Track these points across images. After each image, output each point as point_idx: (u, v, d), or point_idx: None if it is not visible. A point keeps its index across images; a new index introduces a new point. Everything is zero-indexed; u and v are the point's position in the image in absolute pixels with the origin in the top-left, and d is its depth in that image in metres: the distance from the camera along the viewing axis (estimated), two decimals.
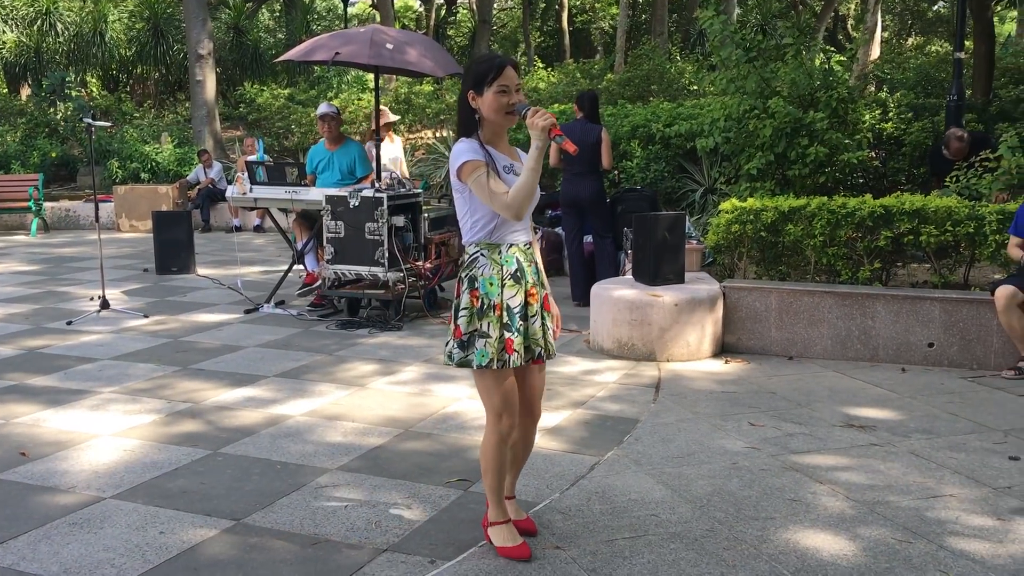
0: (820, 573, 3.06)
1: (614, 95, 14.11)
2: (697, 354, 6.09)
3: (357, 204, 6.99)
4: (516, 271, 3.03)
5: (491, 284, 3.00)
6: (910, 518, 3.50)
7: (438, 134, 16.11)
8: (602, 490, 3.80)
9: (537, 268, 3.14)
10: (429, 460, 4.19)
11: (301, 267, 8.18)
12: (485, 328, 2.99)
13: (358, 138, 14.56)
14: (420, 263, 7.25)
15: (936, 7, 27.25)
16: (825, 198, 6.52)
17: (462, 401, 5.12)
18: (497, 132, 3.06)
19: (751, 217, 6.54)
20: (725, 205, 6.73)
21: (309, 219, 7.92)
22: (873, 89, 15.85)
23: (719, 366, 5.95)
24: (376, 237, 6.96)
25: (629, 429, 4.63)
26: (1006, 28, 30.33)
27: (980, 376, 5.64)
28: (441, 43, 27.14)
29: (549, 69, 19.55)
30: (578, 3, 28.94)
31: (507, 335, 3.00)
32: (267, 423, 4.74)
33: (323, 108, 7.99)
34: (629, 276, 6.73)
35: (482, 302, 3.00)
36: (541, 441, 4.43)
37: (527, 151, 2.95)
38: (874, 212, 6.21)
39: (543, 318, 3.13)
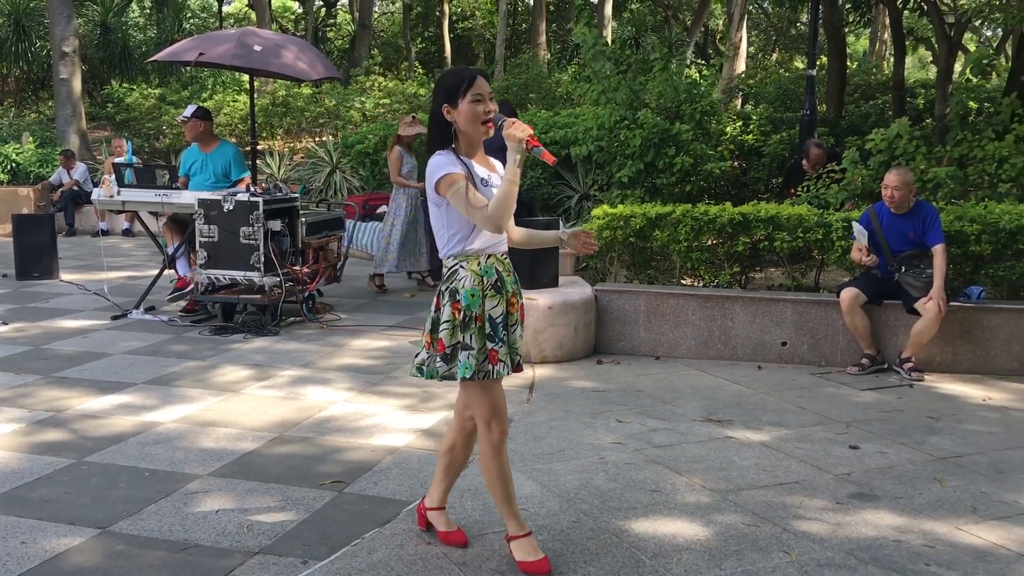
0: (675, 557, 3.26)
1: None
2: (571, 355, 6.30)
3: (231, 208, 6.90)
4: (496, 281, 3.03)
5: (472, 296, 2.98)
6: (759, 504, 3.76)
7: (317, 139, 15.94)
8: (475, 487, 3.91)
9: (515, 277, 3.16)
10: (304, 463, 4.22)
11: (172, 272, 8.00)
12: (468, 340, 2.99)
13: (234, 140, 14.28)
14: (297, 268, 7.22)
15: (798, 25, 28.74)
16: (689, 205, 6.84)
17: (338, 404, 5.15)
18: (473, 144, 3.04)
19: (621, 223, 6.80)
20: (597, 212, 6.97)
21: (180, 223, 7.75)
22: (740, 103, 16.65)
23: (591, 366, 6.17)
24: (251, 241, 6.89)
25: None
26: (860, 44, 32.25)
27: (827, 372, 6.06)
28: (321, 46, 26.83)
29: (429, 76, 19.61)
30: (459, 10, 29.13)
31: (490, 346, 3.01)
32: (135, 431, 4.65)
33: (187, 111, 7.84)
34: None
35: (464, 314, 2.98)
36: (416, 441, 4.52)
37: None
38: (733, 219, 6.57)
39: (520, 327, 3.17)
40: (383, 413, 5.00)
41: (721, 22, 29.87)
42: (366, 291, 8.97)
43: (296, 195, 7.43)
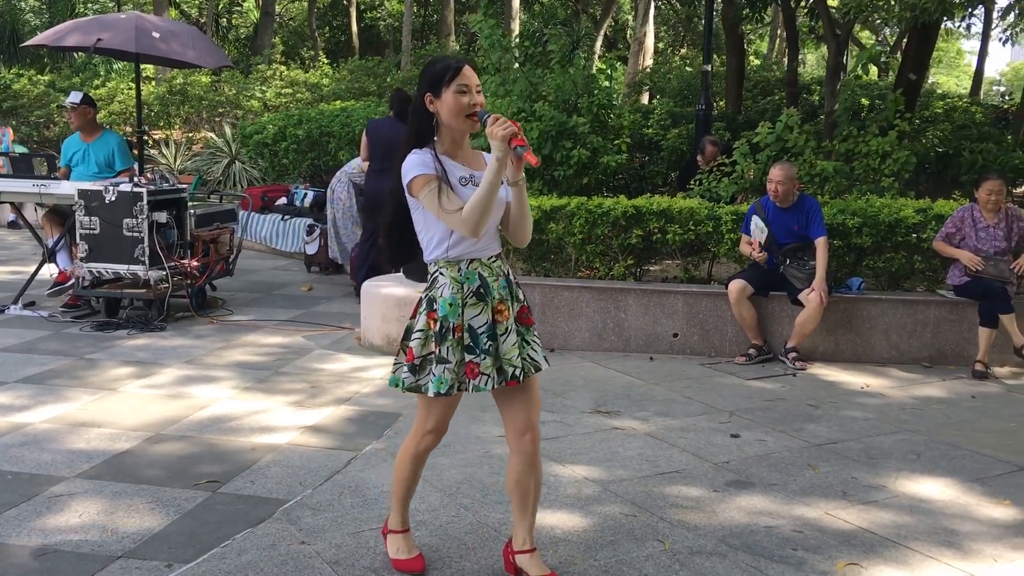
0: (551, 549, 3.27)
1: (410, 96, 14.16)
2: None
3: (114, 199, 6.64)
4: (479, 288, 2.80)
5: (450, 305, 2.77)
6: (639, 494, 3.80)
7: (217, 129, 15.51)
8: (356, 484, 3.85)
9: (508, 281, 2.89)
10: (179, 463, 4.08)
11: (53, 266, 7.66)
12: (444, 353, 2.77)
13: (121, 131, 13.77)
14: (186, 261, 6.99)
15: (699, 20, 29.28)
16: (584, 198, 6.89)
17: (222, 402, 5.01)
18: (457, 139, 2.84)
19: None
20: None
21: (60, 215, 7.43)
22: (648, 97, 16.87)
23: None
24: (135, 234, 6.65)
25: (391, 423, 4.71)
26: (764, 45, 33.06)
27: (716, 363, 6.18)
28: (224, 34, 26.13)
29: (334, 66, 19.29)
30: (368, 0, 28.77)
31: (469, 358, 2.79)
32: (2, 432, 4.43)
33: (71, 97, 7.51)
34: (400, 273, 6.82)
35: (441, 325, 2.78)
36: (300, 438, 4.42)
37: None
38: (627, 212, 6.63)
39: (521, 333, 2.90)
40: (269, 410, 4.89)
41: (631, 17, 30.26)
42: (261, 284, 8.77)
43: (183, 186, 7.20)
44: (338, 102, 13.06)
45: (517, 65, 8.17)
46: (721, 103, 12.91)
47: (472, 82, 2.76)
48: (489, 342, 2.80)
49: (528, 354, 2.90)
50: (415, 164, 2.74)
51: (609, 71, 9.36)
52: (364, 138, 7.86)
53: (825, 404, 5.23)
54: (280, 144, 11.53)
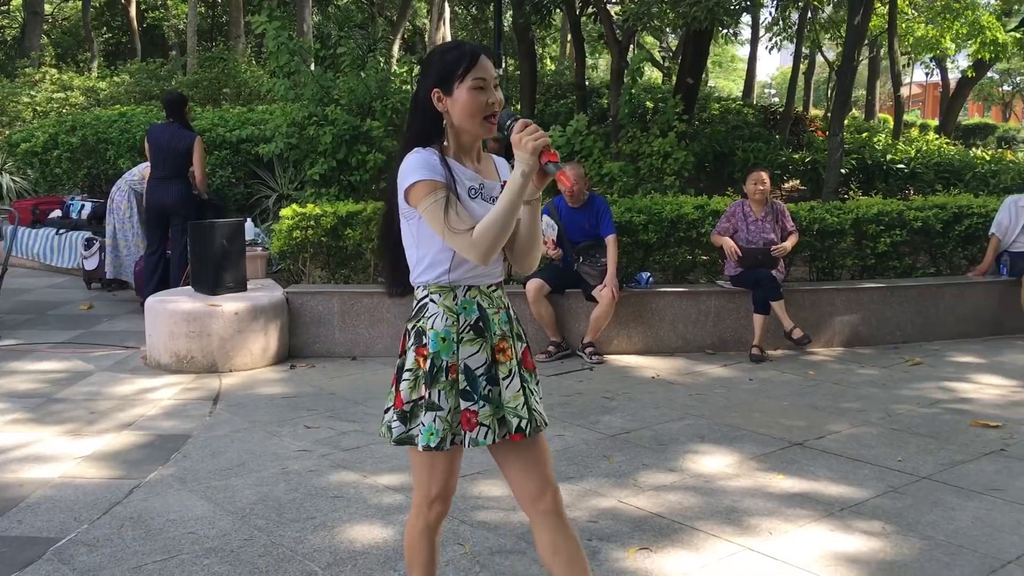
0: (350, 563, 3.19)
1: (187, 98, 13.47)
2: (262, 362, 6.04)
3: None
4: (478, 321, 2.31)
5: (443, 340, 2.27)
6: None
7: None
8: (138, 514, 3.60)
9: (509, 315, 2.40)
10: None
11: None
12: (436, 398, 2.26)
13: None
14: None
15: (505, 27, 29.80)
16: (381, 203, 6.81)
17: None
18: (466, 144, 2.33)
19: (312, 223, 6.64)
20: (285, 211, 6.75)
21: None
22: None
23: (284, 372, 5.95)
24: None
25: (179, 446, 4.45)
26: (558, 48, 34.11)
27: None
28: None
29: (113, 69, 18.11)
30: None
31: (465, 406, 2.28)
32: None
33: None
34: (189, 287, 6.48)
35: (432, 363, 2.27)
36: (76, 469, 4.09)
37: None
38: None
39: (523, 379, 2.36)
40: (40, 441, 4.49)
41: (427, 21, 30.37)
42: (34, 304, 8.07)
43: None
44: (118, 107, 12.24)
45: (307, 68, 7.95)
46: (517, 107, 13.18)
47: (490, 76, 2.27)
48: (488, 386, 2.30)
49: (533, 405, 2.37)
50: (417, 165, 2.22)
51: (406, 75, 9.30)
52: (146, 145, 7.43)
53: (620, 395, 5.43)
54: (52, 153, 10.67)
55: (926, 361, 6.39)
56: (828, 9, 19.23)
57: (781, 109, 16.85)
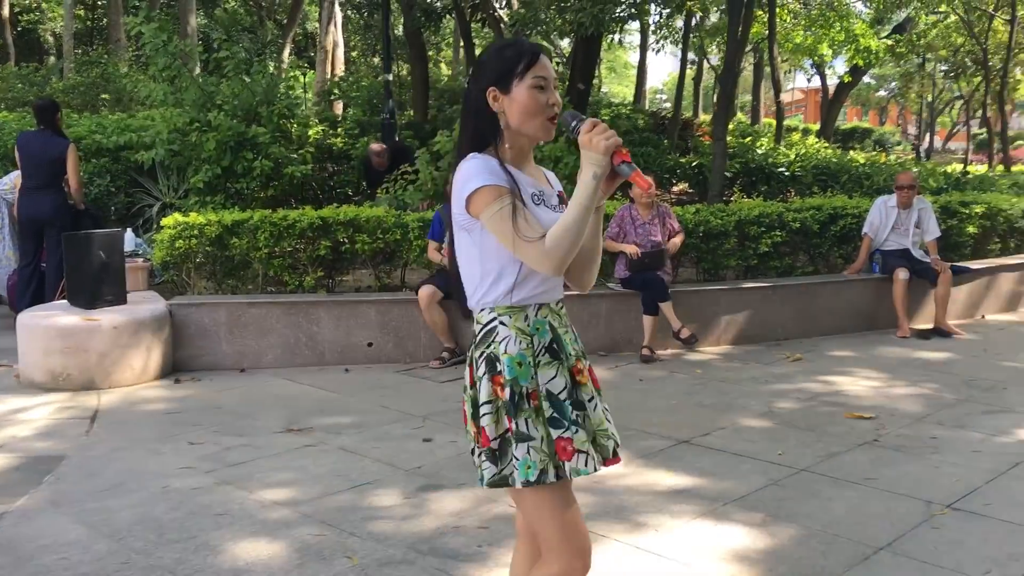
0: None
1: (59, 104, 12.90)
2: (144, 377, 5.83)
3: None
4: (552, 342, 2.14)
5: (519, 365, 2.08)
6: (330, 512, 3.72)
7: None
8: (7, 541, 3.42)
9: (575, 334, 2.26)
10: None
11: None
12: (524, 427, 2.06)
13: None
14: None
15: (397, 31, 29.68)
16: (269, 211, 6.68)
17: None
18: (523, 148, 2.17)
19: (195, 232, 6.45)
20: (167, 220, 6.55)
21: None
22: (343, 106, 16.72)
23: (168, 387, 5.76)
24: None
25: (53, 468, 4.25)
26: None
27: (411, 368, 6.25)
28: None
29: None
30: (25, 1, 25.95)
31: (557, 434, 2.08)
32: None
33: None
34: (65, 301, 6.20)
35: (511, 390, 2.07)
36: None
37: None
38: (313, 223, 6.52)
39: (600, 400, 2.23)
40: None
41: (319, 24, 29.90)
42: None
43: None
44: None
45: (189, 72, 7.73)
46: (409, 112, 13.13)
47: (550, 76, 2.13)
48: (575, 411, 2.12)
49: (612, 426, 2.25)
50: (478, 170, 2.04)
51: (293, 79, 9.13)
52: (16, 154, 7.10)
53: None
54: None
55: (806, 357, 6.65)
56: (714, 17, 19.85)
57: (671, 115, 17.27)
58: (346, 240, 6.60)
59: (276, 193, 7.99)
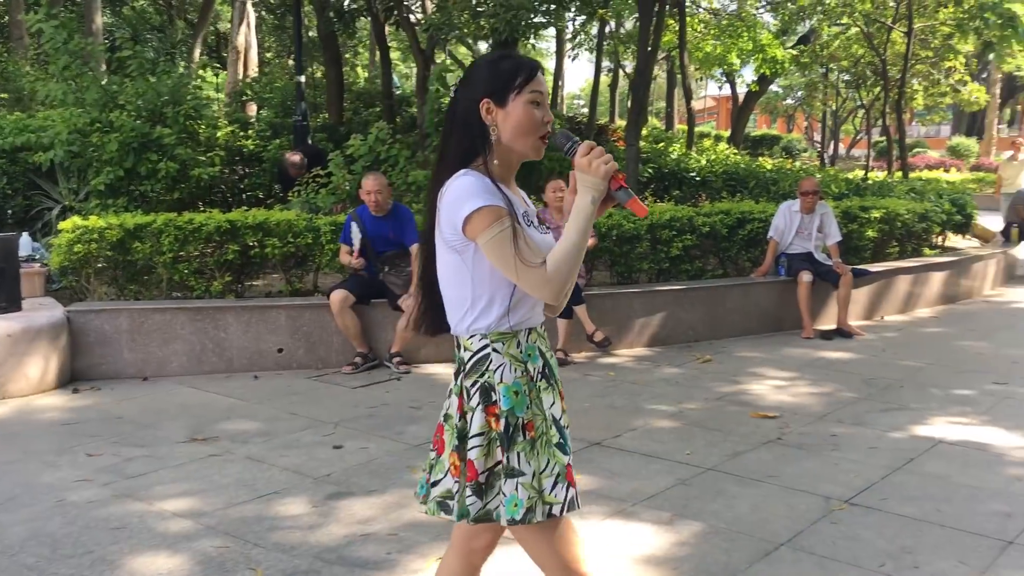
0: None
1: None
2: (40, 387, 5.59)
3: None
4: (544, 367, 2.09)
5: (516, 394, 2.01)
6: (234, 523, 3.62)
7: None
8: None
9: (552, 354, 2.19)
10: None
11: None
12: (515, 462, 1.99)
13: None
14: None
15: (311, 33, 29.25)
16: (173, 214, 6.49)
17: None
18: (512, 165, 2.09)
19: (95, 236, 6.22)
20: (65, 224, 6.30)
21: None
22: (257, 108, 16.39)
23: (66, 397, 5.54)
24: None
25: None
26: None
27: (323, 374, 6.15)
28: None
29: None
30: None
31: (567, 460, 2.04)
32: None
33: None
34: None
35: (506, 422, 2.00)
36: None
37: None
38: (220, 227, 6.37)
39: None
40: None
41: (231, 24, 29.26)
42: None
43: None
44: None
45: (91, 72, 7.46)
46: (324, 115, 12.95)
47: (546, 92, 2.09)
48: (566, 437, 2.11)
49: None
50: (476, 190, 1.95)
51: (202, 80, 8.91)
52: None
53: (426, 405, 5.42)
54: None
55: (715, 358, 6.79)
56: (629, 24, 20.16)
57: (586, 119, 17.46)
58: (256, 244, 6.46)
59: (183, 196, 7.77)
